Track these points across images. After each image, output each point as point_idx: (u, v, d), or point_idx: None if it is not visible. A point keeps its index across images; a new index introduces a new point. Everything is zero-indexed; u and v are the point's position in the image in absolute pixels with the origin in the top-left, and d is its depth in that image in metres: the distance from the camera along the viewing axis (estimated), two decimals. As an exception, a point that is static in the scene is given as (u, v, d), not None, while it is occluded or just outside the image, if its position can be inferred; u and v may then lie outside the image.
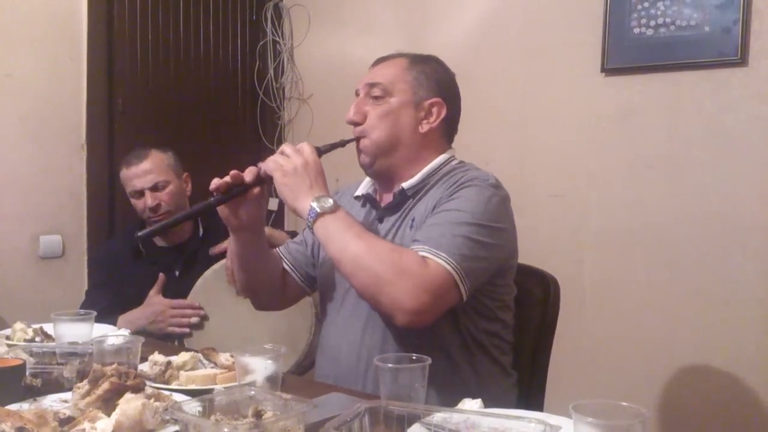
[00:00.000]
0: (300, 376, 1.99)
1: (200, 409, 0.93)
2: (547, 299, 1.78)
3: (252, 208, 1.48)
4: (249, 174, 1.44)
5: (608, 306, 2.57)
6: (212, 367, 1.31)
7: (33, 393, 1.11)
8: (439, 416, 0.95)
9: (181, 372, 1.26)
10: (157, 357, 1.30)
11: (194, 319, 2.11)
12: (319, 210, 1.35)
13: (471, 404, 1.03)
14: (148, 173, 2.26)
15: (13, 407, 1.05)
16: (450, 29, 2.99)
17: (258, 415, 0.90)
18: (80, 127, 3.17)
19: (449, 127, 1.60)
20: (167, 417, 0.96)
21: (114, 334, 1.53)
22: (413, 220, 1.49)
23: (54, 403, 1.09)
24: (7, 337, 1.55)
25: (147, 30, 3.33)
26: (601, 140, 2.57)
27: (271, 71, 3.56)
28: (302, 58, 3.57)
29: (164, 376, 1.24)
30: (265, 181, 1.45)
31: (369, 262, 1.30)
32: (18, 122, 3.00)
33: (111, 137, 3.25)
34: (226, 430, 0.83)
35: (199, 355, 1.38)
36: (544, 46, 2.70)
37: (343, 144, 1.56)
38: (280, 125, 3.63)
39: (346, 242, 1.33)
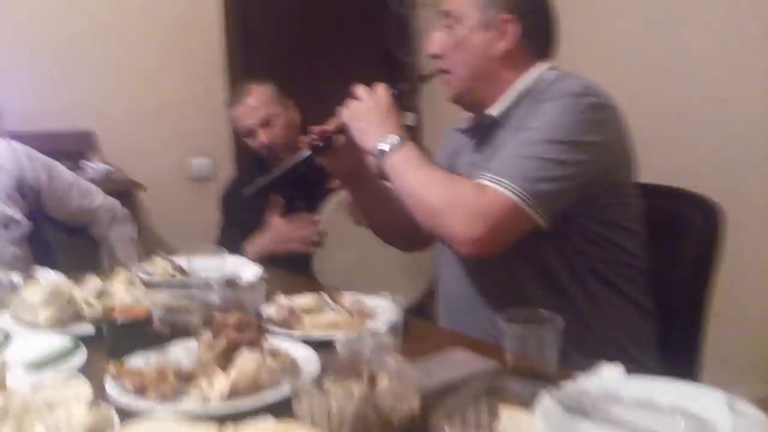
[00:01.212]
0: (426, 310, 1.95)
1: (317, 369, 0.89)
2: (706, 227, 1.58)
3: (346, 156, 1.45)
4: (331, 125, 1.42)
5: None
6: (336, 311, 1.28)
7: (162, 340, 1.14)
8: (572, 387, 0.85)
9: (305, 317, 1.24)
10: (282, 300, 1.29)
11: (314, 236, 2.09)
12: (384, 148, 1.31)
13: (610, 371, 0.92)
14: (254, 109, 2.21)
15: (139, 359, 1.07)
16: None
17: (372, 381, 0.85)
18: (218, 50, 3.21)
19: (536, 40, 1.44)
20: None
21: (243, 271, 1.54)
22: (503, 147, 1.36)
23: (180, 352, 1.10)
24: (148, 274, 1.60)
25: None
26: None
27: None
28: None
29: (288, 321, 1.22)
30: (346, 128, 1.40)
31: (424, 193, 1.27)
32: (160, 50, 3.09)
33: (247, 57, 3.26)
34: (334, 404, 0.79)
35: (325, 295, 1.36)
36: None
37: (424, 80, 1.46)
38: (411, 36, 3.46)
39: (405, 176, 1.29)
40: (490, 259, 1.33)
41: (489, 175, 1.24)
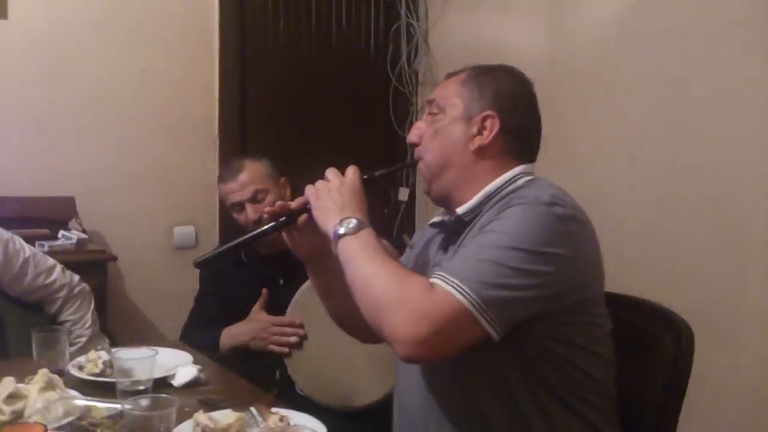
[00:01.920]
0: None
1: None
2: (677, 350, 1.48)
3: (307, 235, 1.40)
4: (296, 202, 1.38)
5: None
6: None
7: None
8: None
9: (221, 440, 1.15)
10: (201, 418, 1.20)
11: (293, 339, 2.03)
12: (340, 231, 1.25)
13: None
14: (245, 185, 2.19)
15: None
16: (593, 7, 2.64)
17: None
18: (213, 120, 3.21)
19: (515, 142, 1.38)
20: None
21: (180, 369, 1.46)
22: (462, 247, 1.31)
23: (71, 479, 1.02)
24: (80, 366, 1.53)
25: (278, 19, 3.29)
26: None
27: (405, 56, 3.39)
28: (437, 41, 3.37)
29: (198, 446, 1.13)
30: (309, 208, 1.35)
31: (370, 285, 1.18)
32: (153, 117, 3.07)
33: (243, 130, 3.26)
34: None
35: (253, 411, 1.27)
36: (705, 24, 2.29)
37: (399, 168, 1.41)
38: (413, 112, 3.46)
39: (358, 265, 1.21)
40: (446, 370, 1.25)
41: (441, 273, 1.17)
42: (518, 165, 1.38)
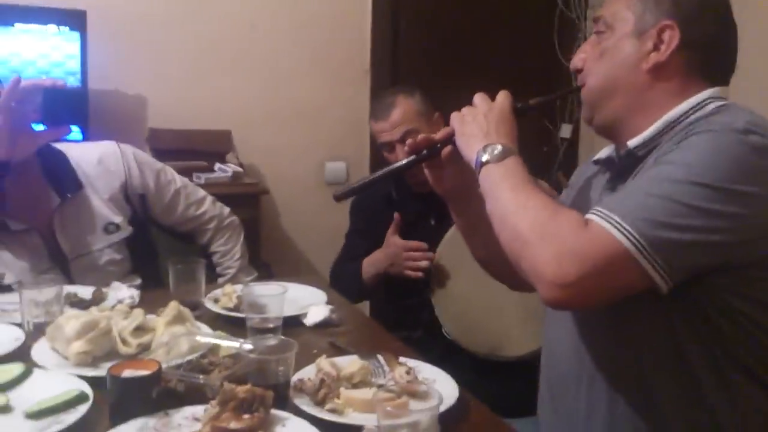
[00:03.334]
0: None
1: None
2: None
3: (452, 170, 1.26)
4: (440, 133, 1.24)
5: None
6: (383, 384, 1.08)
7: (173, 402, 1.01)
8: None
9: (342, 389, 1.05)
10: (323, 364, 1.11)
11: (424, 263, 1.95)
12: (483, 158, 1.10)
13: None
14: (395, 125, 2.08)
15: (137, 422, 0.96)
16: None
17: None
18: (364, 53, 3.12)
19: (702, 59, 1.13)
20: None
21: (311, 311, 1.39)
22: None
23: (185, 420, 0.97)
24: (216, 300, 1.51)
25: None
26: None
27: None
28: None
29: (318, 394, 1.05)
30: (454, 139, 1.21)
31: (515, 218, 1.03)
32: (305, 50, 3.03)
33: (395, 62, 3.14)
34: None
35: (380, 359, 1.17)
36: None
37: (558, 96, 1.22)
38: (580, 39, 3.16)
39: (499, 193, 1.07)
40: (601, 320, 1.09)
41: (599, 209, 0.99)
42: (707, 87, 1.14)
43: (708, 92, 1.13)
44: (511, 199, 1.05)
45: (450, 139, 1.21)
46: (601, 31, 1.18)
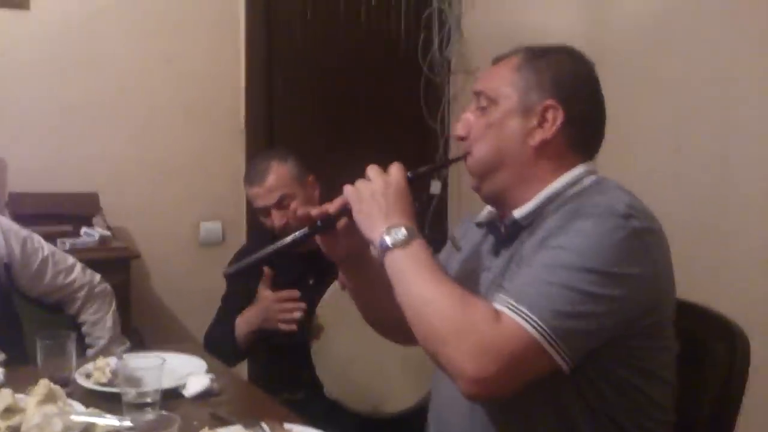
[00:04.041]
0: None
1: None
2: (732, 361, 1.35)
3: (346, 240, 1.27)
4: (334, 204, 1.25)
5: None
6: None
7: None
8: None
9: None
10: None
11: (297, 314, 1.95)
12: (388, 243, 1.12)
13: None
14: (271, 191, 2.11)
15: None
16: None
17: None
18: (239, 112, 3.13)
19: (580, 135, 1.23)
20: None
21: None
22: (521, 258, 1.17)
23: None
24: (87, 375, 1.45)
25: (306, 8, 3.19)
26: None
27: (436, 43, 3.27)
28: (470, 28, 3.23)
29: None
30: (350, 211, 1.22)
31: (430, 311, 1.06)
32: (178, 108, 3.00)
33: (271, 121, 3.17)
34: None
35: (264, 428, 1.17)
36: (754, 9, 2.13)
37: (446, 164, 1.28)
38: (444, 102, 3.33)
39: (408, 283, 1.10)
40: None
41: (507, 299, 1.05)
42: (581, 161, 1.24)
43: (582, 167, 1.22)
44: (421, 290, 1.08)
45: (345, 210, 1.22)
46: (484, 105, 1.24)
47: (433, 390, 1.36)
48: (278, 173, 2.13)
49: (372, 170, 1.21)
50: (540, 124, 1.20)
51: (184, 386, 1.43)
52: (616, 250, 1.07)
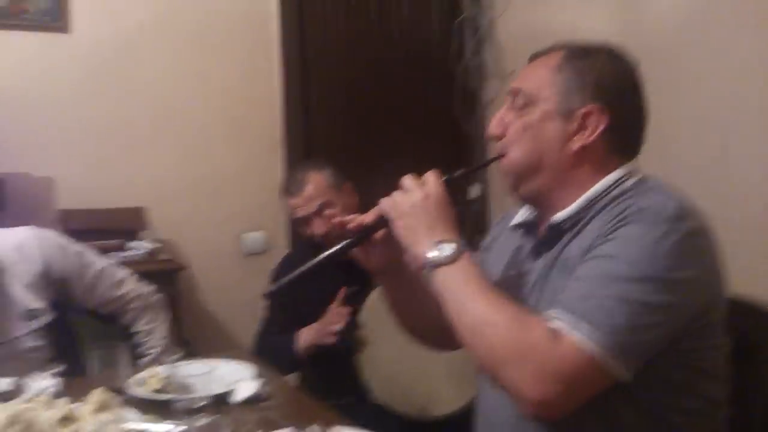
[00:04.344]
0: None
1: None
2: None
3: (383, 251, 1.27)
4: (370, 215, 1.24)
5: None
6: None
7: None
8: None
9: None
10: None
11: (337, 326, 2.00)
12: (435, 260, 1.11)
13: None
14: (310, 200, 2.15)
15: None
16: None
17: None
18: (276, 123, 3.17)
19: (621, 139, 1.21)
20: None
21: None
22: (566, 261, 1.15)
23: None
24: (140, 383, 1.48)
25: (339, 18, 3.23)
26: None
27: (470, 47, 3.27)
28: (503, 31, 3.22)
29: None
30: (387, 222, 1.21)
31: (487, 333, 1.04)
32: (218, 124, 3.07)
33: (307, 133, 3.22)
34: None
35: (315, 429, 1.19)
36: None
37: (482, 166, 1.27)
38: (478, 107, 3.33)
39: (462, 303, 1.08)
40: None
41: (563, 317, 1.03)
42: (622, 163, 1.21)
43: (624, 169, 1.19)
44: (475, 310, 1.06)
45: (382, 221, 1.21)
46: (521, 105, 1.20)
47: (479, 394, 1.35)
48: (316, 182, 2.16)
49: (408, 181, 1.19)
50: (580, 129, 1.17)
51: (234, 392, 1.45)
52: (669, 255, 1.05)
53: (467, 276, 1.09)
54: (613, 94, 1.18)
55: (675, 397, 1.13)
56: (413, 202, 1.15)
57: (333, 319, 2.04)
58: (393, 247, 1.23)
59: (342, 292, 2.09)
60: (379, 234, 1.24)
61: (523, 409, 1.03)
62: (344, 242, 1.26)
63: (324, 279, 2.17)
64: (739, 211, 2.24)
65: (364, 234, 1.24)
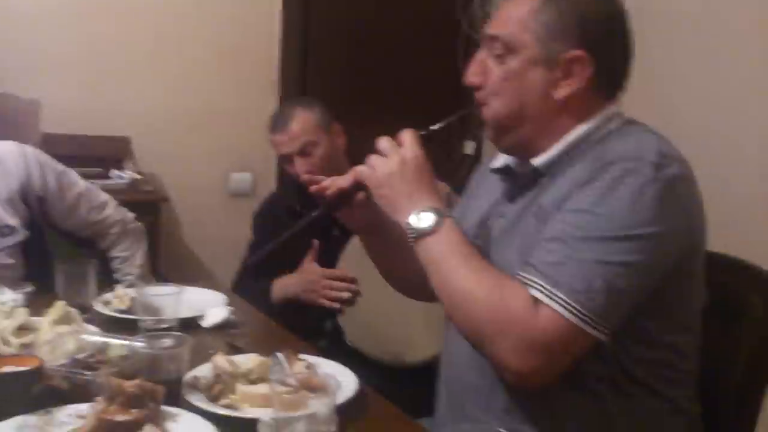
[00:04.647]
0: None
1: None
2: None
3: (363, 212, 1.25)
4: (347, 180, 1.20)
5: None
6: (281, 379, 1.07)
7: (56, 399, 0.96)
8: None
9: (238, 385, 1.03)
10: (218, 361, 1.09)
11: (345, 295, 1.91)
12: (417, 230, 1.07)
13: None
14: (294, 138, 2.06)
15: (17, 420, 0.90)
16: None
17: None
18: (273, 62, 3.09)
19: (607, 82, 1.14)
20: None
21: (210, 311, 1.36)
22: (541, 208, 1.10)
23: (68, 418, 0.93)
24: (106, 302, 1.45)
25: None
26: None
27: (476, -4, 3.19)
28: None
29: (213, 389, 1.02)
30: (360, 185, 1.18)
31: (469, 304, 1.03)
32: (212, 57, 2.98)
33: (303, 73, 3.13)
34: None
35: (279, 356, 1.15)
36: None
37: (460, 116, 1.20)
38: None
39: (445, 275, 1.06)
40: None
41: (541, 283, 1.00)
42: (607, 104, 1.15)
43: (607, 110, 1.14)
44: (457, 282, 1.04)
45: (360, 185, 1.18)
46: (500, 52, 1.12)
47: (445, 336, 1.31)
48: (302, 120, 2.08)
49: (384, 142, 1.13)
50: (565, 77, 1.10)
51: (203, 317, 1.42)
52: (649, 208, 1.01)
53: (449, 245, 1.06)
54: (598, 36, 1.11)
55: (644, 348, 1.10)
56: (390, 170, 1.11)
57: (339, 286, 1.93)
58: (373, 207, 1.20)
59: (315, 245, 2.03)
60: (358, 197, 1.21)
61: (508, 379, 1.03)
62: (323, 207, 1.23)
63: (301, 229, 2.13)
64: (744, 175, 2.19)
65: (342, 199, 1.21)
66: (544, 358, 0.99)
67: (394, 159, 1.11)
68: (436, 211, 1.07)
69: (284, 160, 2.13)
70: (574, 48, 1.09)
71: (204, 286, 1.66)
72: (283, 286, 2.02)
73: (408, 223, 1.08)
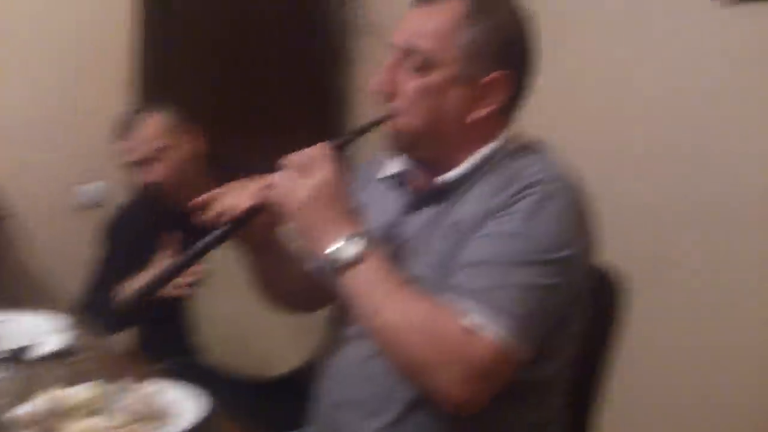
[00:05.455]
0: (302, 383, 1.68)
1: None
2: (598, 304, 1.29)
3: (256, 233, 1.20)
4: (245, 204, 1.13)
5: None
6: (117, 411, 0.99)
7: None
8: None
9: (68, 422, 0.94)
10: (50, 393, 0.99)
11: (189, 279, 1.79)
12: (339, 262, 1.02)
13: None
14: (145, 142, 1.96)
15: None
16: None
17: None
18: (126, 63, 2.87)
19: (517, 103, 1.16)
20: None
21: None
22: (456, 225, 1.10)
23: None
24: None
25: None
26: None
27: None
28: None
29: (40, 427, 0.93)
30: (264, 208, 1.12)
31: (403, 337, 1.00)
32: (57, 58, 2.74)
33: (162, 74, 2.94)
34: None
35: (119, 385, 1.07)
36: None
37: (370, 128, 1.14)
38: (344, 63, 3.21)
39: (375, 305, 1.01)
40: None
41: (475, 309, 0.99)
42: (508, 124, 1.17)
43: (509, 130, 1.16)
44: (388, 313, 1.00)
45: (258, 208, 1.12)
46: (417, 66, 1.09)
47: (324, 357, 1.28)
48: (154, 123, 1.98)
49: (294, 161, 1.06)
50: (483, 97, 1.10)
51: (39, 345, 1.31)
52: (568, 231, 1.05)
53: (375, 275, 1.02)
54: (519, 59, 1.13)
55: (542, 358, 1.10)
56: (307, 195, 1.04)
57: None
58: (267, 229, 1.18)
59: (175, 239, 1.92)
60: (255, 220, 1.15)
61: (452, 409, 1.02)
62: (217, 233, 1.13)
63: (168, 229, 2.01)
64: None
65: (238, 224, 1.13)
66: (484, 383, 0.99)
67: (307, 183, 1.04)
68: (358, 239, 1.02)
69: (133, 167, 2.01)
70: (495, 69, 1.09)
71: (43, 308, 1.53)
72: (134, 285, 1.88)
73: (327, 255, 1.02)
